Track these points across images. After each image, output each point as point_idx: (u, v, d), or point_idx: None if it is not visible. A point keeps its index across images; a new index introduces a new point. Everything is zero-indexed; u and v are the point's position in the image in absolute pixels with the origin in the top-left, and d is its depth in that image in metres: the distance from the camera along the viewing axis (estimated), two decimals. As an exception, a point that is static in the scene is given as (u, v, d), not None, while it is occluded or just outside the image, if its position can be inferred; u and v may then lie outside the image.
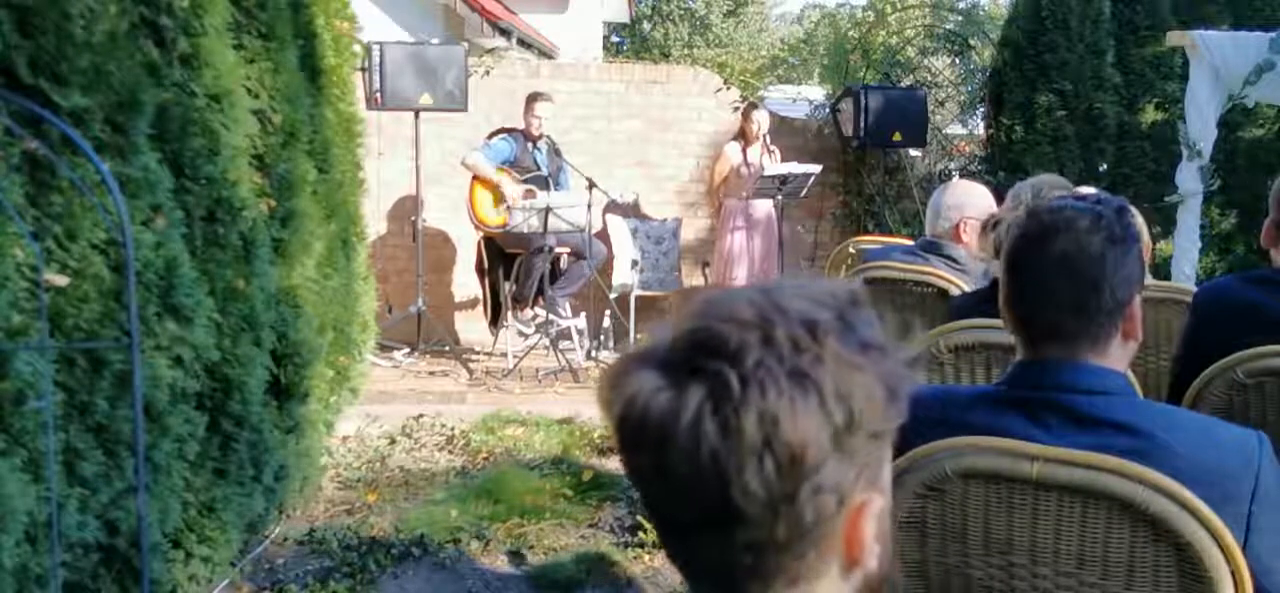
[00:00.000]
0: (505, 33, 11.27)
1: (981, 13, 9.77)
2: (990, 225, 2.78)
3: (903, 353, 0.80)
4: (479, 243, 6.63)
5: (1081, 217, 1.50)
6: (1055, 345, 1.52)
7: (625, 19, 20.54)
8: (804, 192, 6.57)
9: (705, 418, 0.74)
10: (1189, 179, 5.52)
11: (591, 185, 5.99)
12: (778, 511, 0.76)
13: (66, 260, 2.41)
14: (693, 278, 7.26)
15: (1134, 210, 1.62)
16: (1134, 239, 1.52)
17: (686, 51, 23.66)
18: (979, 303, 2.58)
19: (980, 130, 7.75)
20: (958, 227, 3.27)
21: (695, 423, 0.74)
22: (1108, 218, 1.50)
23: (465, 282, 7.13)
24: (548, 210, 5.90)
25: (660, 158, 7.32)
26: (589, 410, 5.28)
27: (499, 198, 6.24)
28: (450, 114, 6.46)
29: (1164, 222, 6.22)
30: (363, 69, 5.77)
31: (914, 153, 7.55)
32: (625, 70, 7.50)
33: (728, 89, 7.37)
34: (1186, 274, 5.52)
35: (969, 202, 3.30)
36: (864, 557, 0.81)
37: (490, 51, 9.10)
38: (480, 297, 6.83)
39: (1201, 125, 5.41)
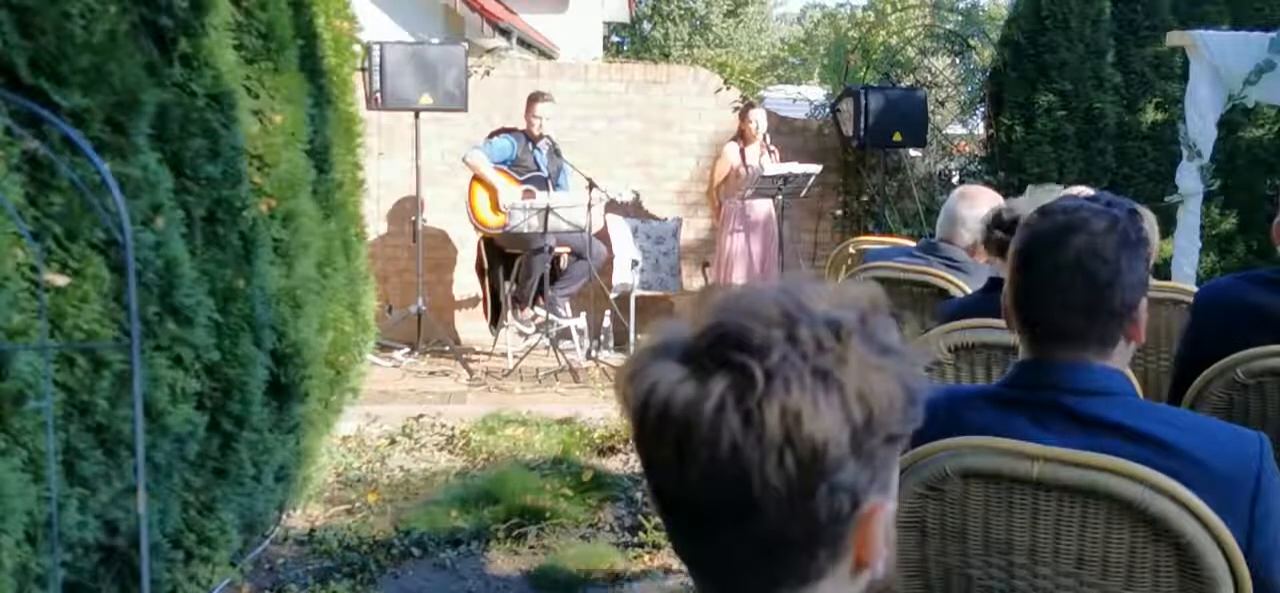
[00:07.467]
0: (505, 33, 11.27)
1: (981, 13, 9.76)
2: (992, 226, 2.76)
3: (919, 358, 0.81)
4: (479, 243, 6.63)
5: (1097, 217, 1.50)
6: (1060, 346, 1.51)
7: (625, 19, 20.55)
8: (804, 192, 6.57)
9: (728, 410, 0.74)
10: (1189, 179, 5.52)
11: (591, 185, 5.99)
12: (795, 507, 0.76)
13: (66, 260, 2.41)
14: (693, 278, 7.25)
15: (1146, 212, 1.62)
16: (1144, 243, 1.52)
17: (686, 51, 23.64)
18: (963, 313, 2.57)
19: (980, 130, 7.75)
20: (974, 247, 3.24)
21: (717, 414, 0.74)
22: (1122, 221, 1.50)
23: (465, 282, 7.12)
24: (548, 210, 5.90)
25: (660, 158, 7.31)
26: (589, 410, 5.28)
27: (496, 203, 6.23)
28: (450, 114, 6.46)
29: (1164, 222, 6.21)
30: (363, 69, 5.76)
31: (914, 153, 7.55)
32: (625, 70, 7.49)
33: (728, 89, 7.36)
34: (1186, 274, 5.52)
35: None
36: (873, 561, 0.82)
37: (490, 51, 9.11)
38: (480, 297, 6.82)
39: (1201, 125, 5.40)
